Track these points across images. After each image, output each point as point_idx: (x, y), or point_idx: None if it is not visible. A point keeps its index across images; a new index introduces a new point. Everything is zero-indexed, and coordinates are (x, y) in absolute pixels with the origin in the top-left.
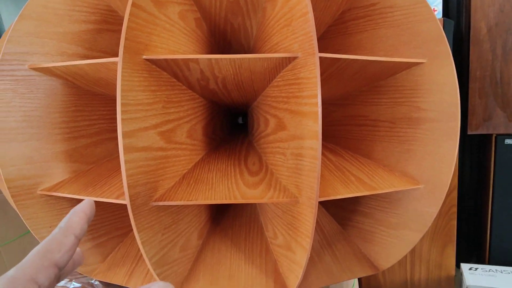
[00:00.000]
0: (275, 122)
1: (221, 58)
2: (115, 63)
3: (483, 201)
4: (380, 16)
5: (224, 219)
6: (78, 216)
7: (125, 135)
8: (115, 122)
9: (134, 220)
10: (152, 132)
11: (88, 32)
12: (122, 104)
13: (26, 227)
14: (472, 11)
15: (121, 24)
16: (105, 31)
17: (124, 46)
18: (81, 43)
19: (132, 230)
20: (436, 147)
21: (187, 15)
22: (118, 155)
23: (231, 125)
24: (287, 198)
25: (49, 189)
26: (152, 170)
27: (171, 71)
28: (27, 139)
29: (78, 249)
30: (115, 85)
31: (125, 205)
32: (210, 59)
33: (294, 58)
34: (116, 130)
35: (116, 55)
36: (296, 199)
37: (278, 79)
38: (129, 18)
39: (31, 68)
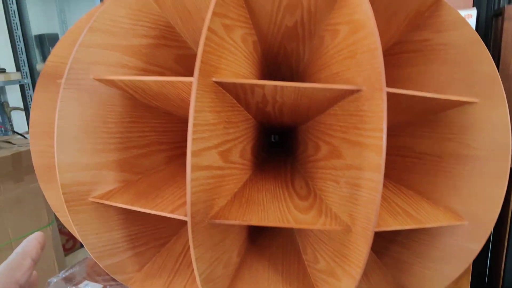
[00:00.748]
0: (328, 149)
1: (287, 86)
2: (183, 82)
3: (501, 233)
4: (433, 52)
5: (260, 238)
6: (32, 243)
7: (193, 154)
8: (165, 135)
9: (192, 237)
10: (214, 151)
11: (147, 47)
12: (193, 125)
13: (39, 223)
14: (502, 46)
15: (177, 40)
16: (162, 46)
17: (200, 69)
18: (140, 56)
19: (168, 241)
20: (484, 186)
21: (247, 38)
22: (165, 167)
23: (268, 144)
24: (340, 226)
25: (101, 197)
26: (211, 188)
27: (235, 94)
28: (84, 147)
29: (34, 272)
30: (174, 100)
31: (165, 217)
32: (276, 86)
33: (358, 90)
34: (165, 143)
35: (172, 70)
36: (348, 227)
37: (336, 108)
38: (205, 42)
39: (96, 79)
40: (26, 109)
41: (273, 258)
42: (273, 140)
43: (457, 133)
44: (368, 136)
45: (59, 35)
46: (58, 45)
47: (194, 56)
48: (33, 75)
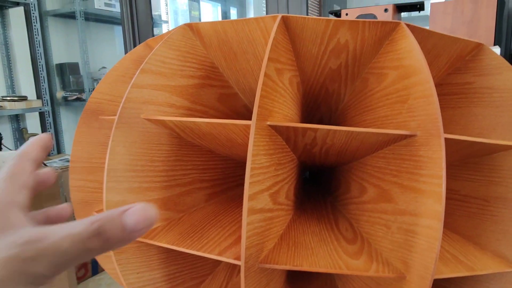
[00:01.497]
0: (377, 192)
1: (340, 130)
2: (236, 125)
3: None
4: (476, 95)
5: (298, 281)
6: (33, 145)
7: (249, 198)
8: (206, 172)
9: (245, 282)
10: (266, 194)
11: (193, 87)
12: (251, 168)
13: None
14: None
15: (220, 80)
16: (207, 86)
17: (258, 114)
18: (187, 96)
19: (204, 281)
20: None
21: (293, 80)
22: (205, 205)
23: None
24: (393, 273)
25: (145, 236)
26: (262, 231)
27: (286, 136)
28: (131, 186)
29: (47, 169)
30: (221, 140)
31: (201, 256)
32: (329, 130)
33: (413, 136)
34: (205, 180)
35: (215, 108)
36: (403, 275)
37: (386, 151)
38: (262, 87)
39: (146, 119)
40: None
41: None
42: (305, 176)
43: (505, 176)
44: (424, 182)
45: (80, 64)
46: (101, 82)
47: (235, 95)
48: (53, 103)
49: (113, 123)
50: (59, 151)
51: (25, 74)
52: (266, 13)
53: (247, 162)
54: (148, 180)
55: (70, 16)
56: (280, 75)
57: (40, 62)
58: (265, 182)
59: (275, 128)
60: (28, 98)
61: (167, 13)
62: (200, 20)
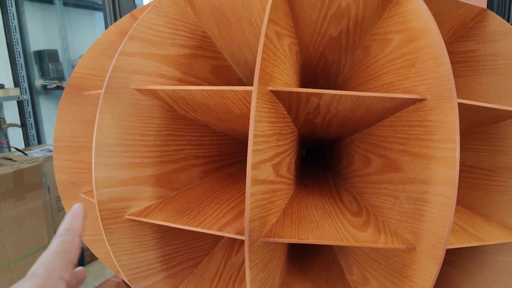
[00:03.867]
0: (382, 162)
1: (346, 95)
2: (234, 91)
3: None
4: (480, 63)
5: (299, 258)
6: (78, 219)
7: (253, 166)
8: (200, 149)
9: (249, 257)
10: (268, 164)
11: (185, 57)
12: (254, 135)
13: (39, 244)
14: None
15: (213, 51)
16: (199, 56)
17: (259, 77)
18: (178, 67)
19: (201, 262)
20: None
21: (292, 47)
22: (200, 183)
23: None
24: (403, 244)
25: (138, 214)
26: (265, 204)
27: (287, 104)
28: (121, 161)
29: (80, 269)
30: (217, 112)
31: (198, 234)
32: (334, 95)
33: (422, 100)
34: (200, 157)
35: (208, 80)
36: (412, 246)
37: (393, 119)
38: (263, 49)
39: (135, 89)
40: (24, 125)
41: (316, 280)
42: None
43: (511, 145)
44: (436, 148)
45: (59, 51)
46: (84, 56)
47: (228, 67)
48: (32, 91)
49: (98, 99)
50: (40, 141)
51: (1, 61)
52: None
53: (249, 129)
54: (139, 156)
55: (48, 1)
56: (280, 40)
57: (17, 48)
58: (268, 152)
59: (277, 94)
60: (5, 87)
61: None
62: None
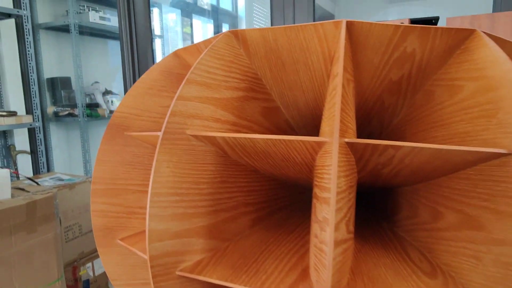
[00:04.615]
0: (458, 218)
1: (426, 148)
2: (302, 142)
3: None
4: None
5: None
6: None
7: (335, 228)
8: (250, 195)
9: None
10: (343, 222)
11: (238, 99)
12: (337, 193)
13: (48, 278)
14: None
15: (263, 93)
16: (250, 98)
17: (340, 129)
18: (232, 110)
19: None
20: None
21: (354, 92)
22: (250, 232)
23: None
24: None
25: (190, 270)
26: (340, 266)
27: (359, 155)
28: (175, 211)
29: None
30: (275, 159)
31: None
32: (413, 148)
33: (507, 154)
34: (250, 204)
35: (258, 123)
36: None
37: (470, 172)
38: (341, 100)
39: (192, 135)
40: (34, 152)
41: None
42: None
43: None
44: None
45: (72, 79)
46: (127, 95)
47: (276, 109)
48: (44, 118)
49: (140, 140)
50: (49, 169)
51: (15, 88)
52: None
53: (331, 187)
54: (193, 205)
55: (63, 29)
56: (348, 87)
57: (31, 76)
58: (343, 209)
59: (351, 145)
60: (18, 113)
61: (161, 28)
62: (192, 37)
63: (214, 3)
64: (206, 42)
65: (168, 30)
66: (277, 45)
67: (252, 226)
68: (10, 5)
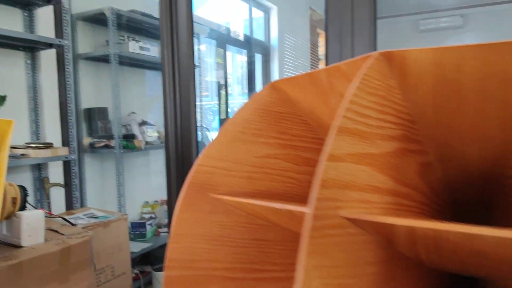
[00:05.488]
0: None
1: None
2: None
3: None
4: None
5: None
6: None
7: None
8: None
9: None
10: None
11: (394, 155)
12: None
13: None
14: None
15: (418, 142)
16: (406, 152)
17: None
18: (389, 171)
19: None
20: None
21: None
22: None
23: None
24: None
25: None
26: None
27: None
28: None
29: None
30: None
31: None
32: None
33: None
34: None
35: (418, 189)
36: None
37: None
38: None
39: (349, 219)
40: (68, 185)
41: None
42: None
43: None
44: None
45: (109, 109)
46: (214, 142)
47: (429, 165)
48: (79, 150)
49: (234, 207)
50: (82, 203)
51: (52, 119)
52: (327, 59)
53: None
54: None
55: (102, 59)
56: None
57: (70, 106)
58: None
59: None
60: (54, 145)
61: (198, 58)
62: (225, 67)
63: (248, 33)
64: (330, 70)
65: (202, 58)
66: (460, 72)
67: None
68: (52, 35)
